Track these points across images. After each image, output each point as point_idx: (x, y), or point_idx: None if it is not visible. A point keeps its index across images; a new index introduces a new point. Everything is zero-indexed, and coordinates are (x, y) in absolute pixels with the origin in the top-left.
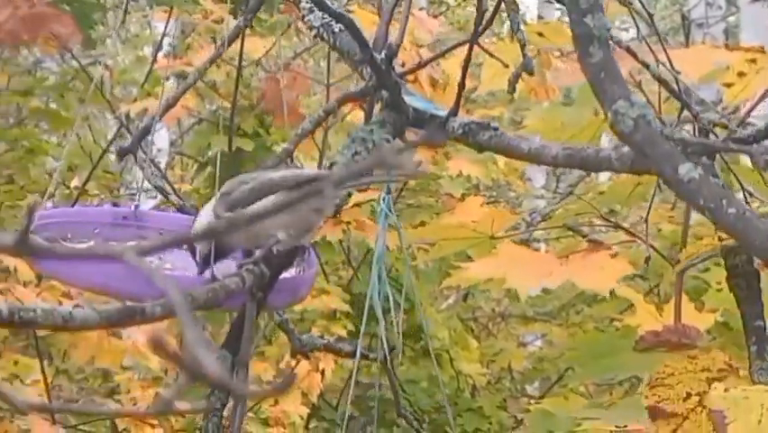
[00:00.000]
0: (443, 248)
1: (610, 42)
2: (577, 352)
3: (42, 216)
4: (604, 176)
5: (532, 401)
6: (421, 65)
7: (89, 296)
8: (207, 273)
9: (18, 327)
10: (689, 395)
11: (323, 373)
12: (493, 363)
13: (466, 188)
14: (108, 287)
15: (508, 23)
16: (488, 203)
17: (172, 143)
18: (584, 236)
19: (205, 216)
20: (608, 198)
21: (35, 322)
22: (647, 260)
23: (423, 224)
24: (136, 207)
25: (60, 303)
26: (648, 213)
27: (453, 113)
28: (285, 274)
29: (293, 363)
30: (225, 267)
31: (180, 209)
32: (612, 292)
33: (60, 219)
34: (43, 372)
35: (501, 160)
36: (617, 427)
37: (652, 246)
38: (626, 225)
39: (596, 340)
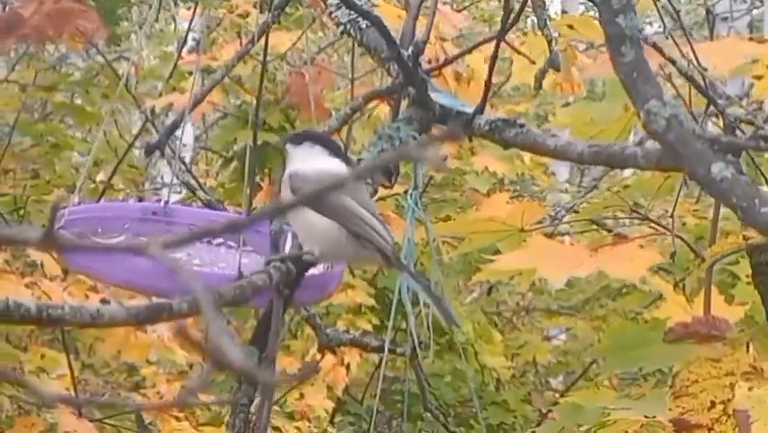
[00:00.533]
0: (473, 242)
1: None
2: (607, 342)
3: (72, 211)
4: (628, 171)
5: (556, 395)
6: (447, 62)
7: (116, 291)
8: (233, 270)
9: (46, 325)
10: (713, 404)
11: (348, 366)
12: (517, 356)
13: (491, 183)
14: (135, 283)
15: (533, 17)
16: (512, 198)
17: (197, 139)
18: (609, 231)
19: None
20: (636, 190)
21: (63, 319)
22: (673, 255)
23: (448, 218)
24: (165, 202)
25: (87, 297)
26: (675, 207)
27: (480, 110)
28: (312, 271)
29: (318, 356)
30: (253, 263)
31: (208, 204)
32: (636, 286)
33: (90, 215)
34: (70, 365)
35: (527, 155)
36: (645, 417)
37: (681, 238)
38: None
39: (625, 331)
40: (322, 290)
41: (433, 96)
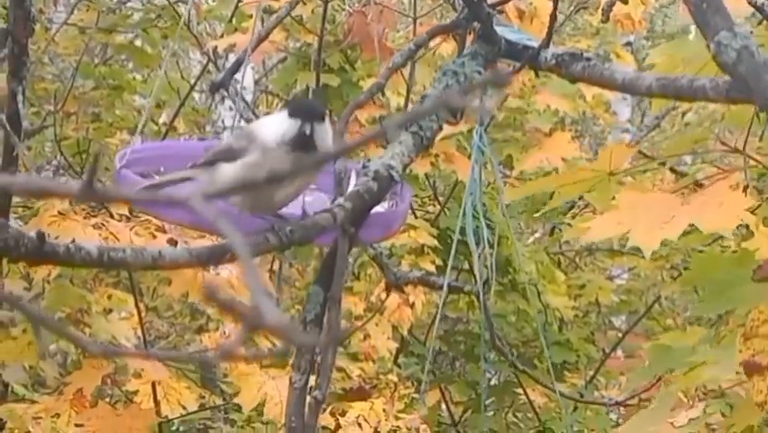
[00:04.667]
0: (562, 195)
1: None
2: (692, 273)
3: (135, 150)
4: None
5: (619, 334)
6: None
7: (182, 231)
8: (297, 209)
9: (108, 268)
10: None
11: (412, 306)
12: (580, 296)
13: (553, 122)
14: (197, 223)
15: None
16: (574, 137)
17: (257, 82)
18: (672, 170)
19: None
20: (727, 123)
21: (125, 262)
22: (746, 188)
23: (510, 158)
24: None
25: (155, 238)
26: (746, 139)
27: (546, 44)
28: (377, 209)
29: (383, 297)
30: (318, 202)
31: None
32: None
33: (152, 153)
34: (137, 306)
35: (589, 94)
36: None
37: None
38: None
39: (713, 263)
40: (386, 228)
41: (498, 30)
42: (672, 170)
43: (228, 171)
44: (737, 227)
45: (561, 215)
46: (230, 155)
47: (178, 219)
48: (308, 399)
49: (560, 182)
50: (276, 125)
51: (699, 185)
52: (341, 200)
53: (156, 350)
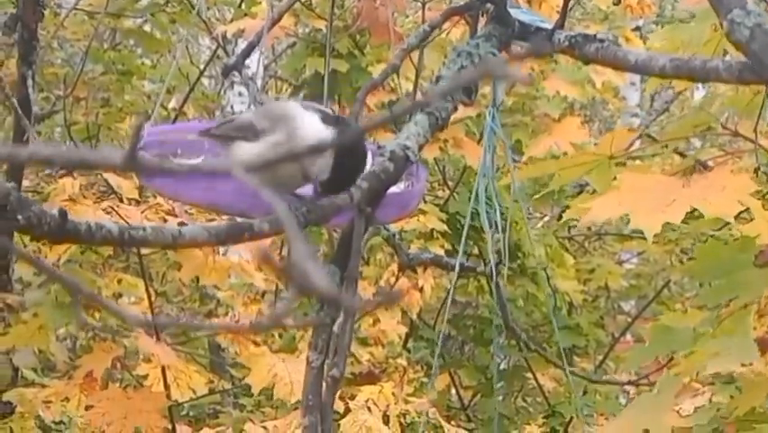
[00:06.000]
0: (563, 178)
1: None
2: (694, 263)
3: (151, 132)
4: (698, 95)
5: (629, 319)
6: None
7: (191, 216)
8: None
9: (128, 246)
10: None
11: (422, 290)
12: (590, 281)
13: (562, 108)
14: (215, 202)
15: None
16: (583, 122)
17: (266, 68)
18: (681, 154)
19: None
20: (727, 107)
21: (145, 240)
22: (756, 170)
23: (519, 143)
24: None
25: (165, 221)
26: (757, 121)
27: (560, 25)
28: (393, 189)
29: (393, 281)
30: None
31: None
32: None
33: (169, 136)
34: (147, 290)
35: (598, 80)
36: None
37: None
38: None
39: (715, 253)
40: (403, 208)
41: (512, 12)
42: (680, 154)
43: (250, 150)
44: (744, 212)
45: (569, 198)
46: (250, 133)
47: (195, 200)
48: (325, 377)
49: (560, 165)
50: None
51: (704, 166)
52: (357, 180)
53: (188, 318)
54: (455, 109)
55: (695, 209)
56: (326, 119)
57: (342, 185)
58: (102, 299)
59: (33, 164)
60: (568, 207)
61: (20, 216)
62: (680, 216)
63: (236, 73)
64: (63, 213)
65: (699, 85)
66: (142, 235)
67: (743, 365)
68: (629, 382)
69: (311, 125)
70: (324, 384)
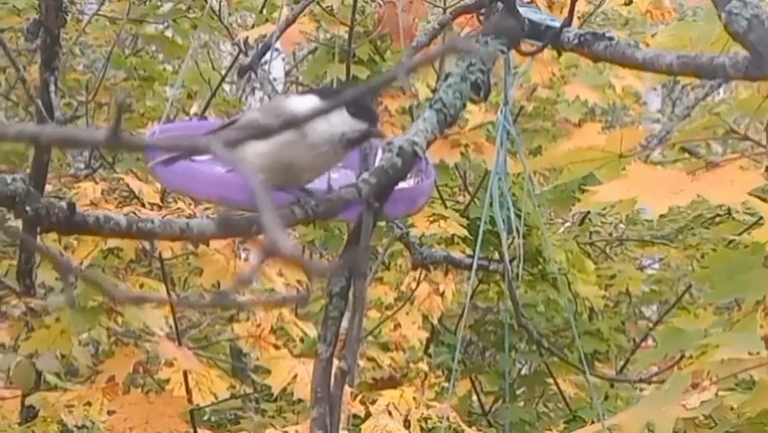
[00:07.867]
0: (571, 172)
1: None
2: (707, 270)
3: (164, 129)
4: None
5: (650, 324)
6: None
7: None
8: (323, 184)
9: (136, 238)
10: None
11: (442, 295)
12: (611, 286)
13: (583, 113)
14: (229, 198)
15: None
16: (604, 128)
17: (287, 73)
18: (701, 158)
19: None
20: (737, 110)
21: (153, 232)
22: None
23: (540, 148)
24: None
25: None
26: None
27: (568, 23)
28: (402, 184)
29: (413, 285)
30: (343, 178)
31: None
32: (730, 214)
33: (181, 132)
34: (169, 295)
35: (619, 85)
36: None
37: None
38: (740, 148)
39: (726, 257)
40: (411, 204)
41: (521, 10)
42: (691, 153)
43: (258, 148)
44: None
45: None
46: (257, 131)
47: (207, 195)
48: (334, 370)
49: (570, 159)
50: (333, 123)
51: (714, 165)
52: (365, 175)
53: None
54: (464, 106)
55: (717, 216)
56: (359, 113)
57: (370, 112)
58: (100, 280)
59: (22, 141)
60: (578, 199)
61: (28, 207)
62: (686, 202)
63: (254, 75)
64: (71, 205)
65: (721, 90)
66: (150, 228)
67: (750, 354)
68: (644, 381)
69: (322, 121)
70: (332, 377)
